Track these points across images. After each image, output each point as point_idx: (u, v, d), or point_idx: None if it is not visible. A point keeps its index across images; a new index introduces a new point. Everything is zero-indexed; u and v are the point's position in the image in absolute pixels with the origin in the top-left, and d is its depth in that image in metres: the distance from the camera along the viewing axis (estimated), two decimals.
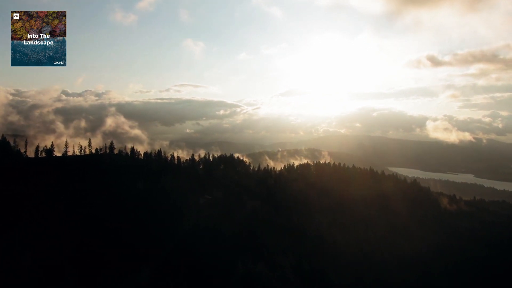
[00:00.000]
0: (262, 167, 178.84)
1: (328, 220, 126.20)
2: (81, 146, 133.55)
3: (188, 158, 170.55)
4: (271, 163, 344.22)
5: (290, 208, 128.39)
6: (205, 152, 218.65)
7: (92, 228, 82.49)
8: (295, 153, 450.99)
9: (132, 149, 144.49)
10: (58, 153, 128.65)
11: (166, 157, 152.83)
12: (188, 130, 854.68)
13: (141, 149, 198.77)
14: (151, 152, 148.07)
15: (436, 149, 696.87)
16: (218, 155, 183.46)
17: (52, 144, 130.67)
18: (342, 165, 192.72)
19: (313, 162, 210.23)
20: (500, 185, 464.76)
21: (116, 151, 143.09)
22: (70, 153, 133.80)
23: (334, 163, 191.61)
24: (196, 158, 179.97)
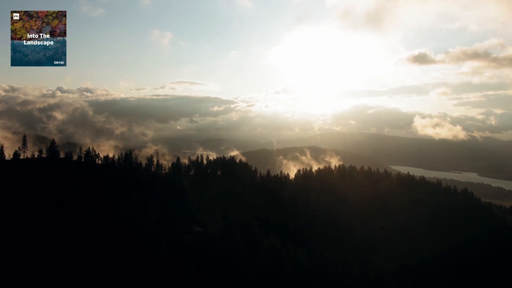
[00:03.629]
0: (266, 169, 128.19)
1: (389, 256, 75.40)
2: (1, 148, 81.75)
3: (174, 162, 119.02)
4: (276, 165, 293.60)
5: (326, 246, 77.42)
6: (198, 153, 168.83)
7: None
8: (295, 151, 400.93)
9: (88, 152, 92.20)
10: None
11: (139, 163, 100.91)
12: (182, 128, 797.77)
13: (112, 151, 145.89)
14: (115, 155, 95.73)
15: (434, 147, 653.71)
16: (214, 157, 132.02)
17: None
18: (367, 168, 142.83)
19: (334, 165, 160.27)
20: (506, 185, 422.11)
21: (62, 155, 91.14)
22: None
23: (362, 167, 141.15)
24: (186, 161, 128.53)
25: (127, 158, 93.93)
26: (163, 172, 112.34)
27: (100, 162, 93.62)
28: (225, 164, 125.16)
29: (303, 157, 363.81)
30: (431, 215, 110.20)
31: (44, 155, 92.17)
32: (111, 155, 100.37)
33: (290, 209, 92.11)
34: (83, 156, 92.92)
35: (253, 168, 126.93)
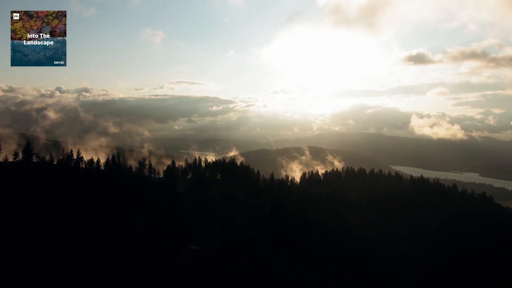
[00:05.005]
0: (266, 169, 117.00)
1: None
2: None
3: (169, 165, 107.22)
4: (277, 165, 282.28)
5: (342, 265, 65.81)
6: (196, 154, 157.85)
7: None
8: (295, 151, 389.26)
9: (68, 154, 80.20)
10: None
11: (128, 167, 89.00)
12: (180, 128, 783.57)
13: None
14: (100, 159, 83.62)
15: (434, 147, 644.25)
16: (213, 160, 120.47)
17: None
18: (377, 171, 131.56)
19: (337, 167, 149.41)
20: (509, 185, 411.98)
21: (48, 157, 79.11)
22: None
23: (372, 170, 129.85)
24: (182, 163, 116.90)
25: (114, 161, 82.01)
26: (157, 176, 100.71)
27: (84, 165, 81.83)
28: (225, 167, 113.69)
29: (303, 157, 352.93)
30: (452, 222, 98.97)
31: (18, 159, 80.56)
32: (103, 157, 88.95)
33: (298, 220, 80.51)
34: (64, 159, 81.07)
35: (256, 172, 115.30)
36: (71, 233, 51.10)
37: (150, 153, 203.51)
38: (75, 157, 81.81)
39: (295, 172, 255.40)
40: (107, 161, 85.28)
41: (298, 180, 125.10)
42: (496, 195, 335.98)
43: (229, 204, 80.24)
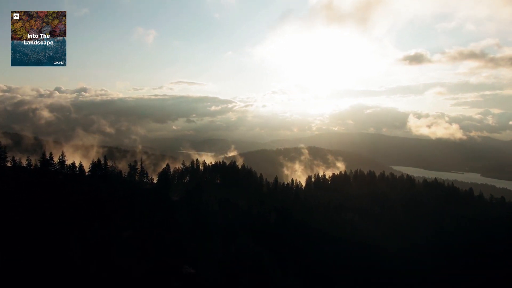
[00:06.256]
0: (267, 170, 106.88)
1: None
2: None
3: (165, 168, 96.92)
4: (278, 166, 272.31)
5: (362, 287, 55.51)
6: (194, 155, 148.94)
7: None
8: (295, 151, 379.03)
9: (47, 160, 69.40)
10: None
11: (118, 172, 78.30)
12: (178, 128, 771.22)
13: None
14: (82, 163, 72.73)
15: (434, 147, 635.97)
16: (212, 162, 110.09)
17: None
18: (387, 173, 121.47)
19: (343, 170, 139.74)
20: (511, 185, 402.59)
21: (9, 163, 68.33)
22: None
23: (383, 173, 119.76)
24: (178, 166, 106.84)
25: (100, 165, 71.43)
26: (149, 181, 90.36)
27: (67, 170, 71.33)
28: (225, 170, 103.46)
29: (303, 158, 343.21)
30: (473, 229, 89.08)
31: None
32: (95, 159, 78.54)
33: (309, 233, 70.20)
34: (43, 162, 70.41)
35: (258, 175, 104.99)
36: (34, 258, 40.80)
37: (147, 154, 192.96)
38: (56, 160, 71.41)
39: (297, 172, 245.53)
40: (93, 164, 74.82)
41: (303, 183, 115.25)
42: (499, 195, 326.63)
43: (230, 214, 69.88)
